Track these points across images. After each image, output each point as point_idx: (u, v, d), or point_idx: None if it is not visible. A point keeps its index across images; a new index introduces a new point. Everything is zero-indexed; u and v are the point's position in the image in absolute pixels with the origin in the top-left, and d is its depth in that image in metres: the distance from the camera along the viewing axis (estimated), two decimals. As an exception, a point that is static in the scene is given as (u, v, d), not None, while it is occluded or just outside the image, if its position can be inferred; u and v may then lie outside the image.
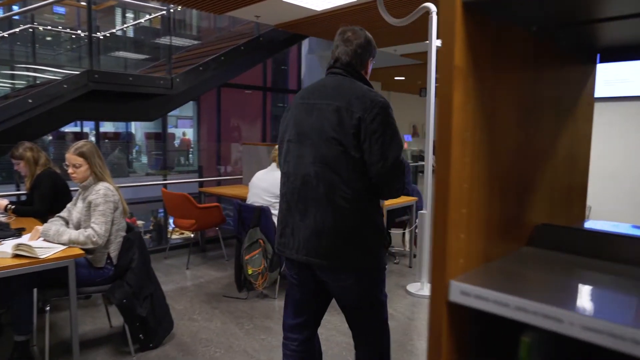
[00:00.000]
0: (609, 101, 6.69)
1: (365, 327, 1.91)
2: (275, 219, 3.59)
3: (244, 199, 4.21)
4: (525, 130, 0.92)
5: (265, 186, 3.65)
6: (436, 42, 3.65)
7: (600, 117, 6.52)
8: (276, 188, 3.61)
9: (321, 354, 2.07)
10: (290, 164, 1.80)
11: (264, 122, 9.72)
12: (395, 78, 10.87)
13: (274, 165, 3.73)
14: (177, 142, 10.45)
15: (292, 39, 7.45)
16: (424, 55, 7.82)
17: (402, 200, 4.31)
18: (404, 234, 4.71)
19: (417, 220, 3.98)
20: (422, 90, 10.65)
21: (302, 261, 1.76)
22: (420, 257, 3.80)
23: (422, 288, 3.81)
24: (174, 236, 5.68)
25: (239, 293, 3.75)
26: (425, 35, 3.95)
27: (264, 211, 3.53)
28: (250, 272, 3.51)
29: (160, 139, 8.09)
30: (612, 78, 6.49)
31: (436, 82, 3.50)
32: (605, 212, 6.96)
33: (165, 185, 5.30)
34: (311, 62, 10.08)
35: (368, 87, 1.76)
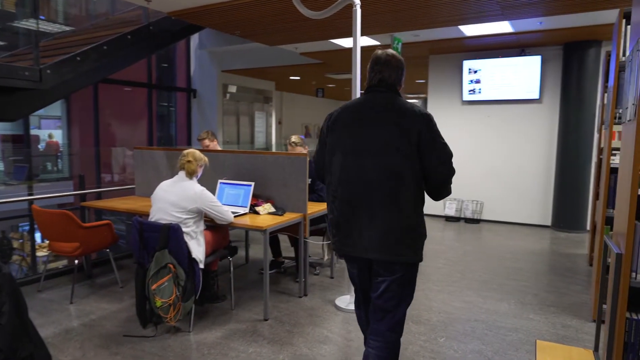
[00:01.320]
0: (495, 104, 7.23)
1: (392, 321, 2.09)
2: (187, 237, 3.05)
3: (143, 214, 3.55)
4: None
5: (174, 200, 3.08)
6: (360, 37, 3.41)
7: (489, 119, 6.83)
8: (188, 201, 3.06)
9: None
10: (349, 172, 2.05)
11: (149, 122, 8.74)
12: (291, 78, 10.61)
13: (182, 174, 3.16)
14: (41, 146, 8.91)
15: (187, 30, 6.74)
16: (324, 55, 7.68)
17: (324, 208, 4.02)
18: (322, 242, 4.42)
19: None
20: (319, 91, 10.59)
21: (372, 258, 2.03)
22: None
23: (352, 302, 3.55)
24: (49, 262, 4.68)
25: (143, 330, 3.12)
26: (336, 32, 3.69)
27: (173, 230, 2.95)
28: (158, 304, 2.91)
29: (22, 142, 6.75)
30: (499, 82, 7.01)
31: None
32: (496, 207, 7.51)
33: (32, 201, 4.32)
34: (202, 58, 9.35)
35: (410, 102, 2.06)
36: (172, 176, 3.25)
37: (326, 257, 4.67)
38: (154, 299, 2.90)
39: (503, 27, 5.64)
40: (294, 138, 4.29)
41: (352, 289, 3.16)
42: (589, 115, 6.26)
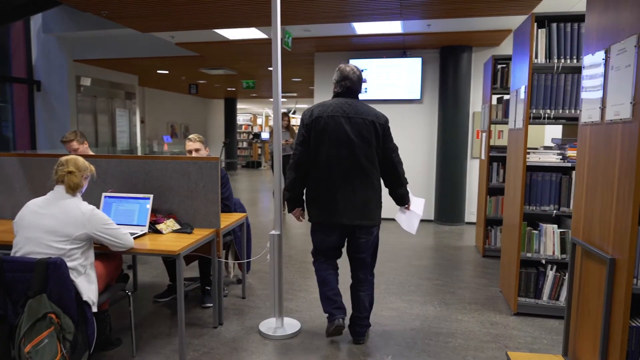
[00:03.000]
0: (380, 103, 7.35)
1: (371, 268, 2.97)
2: (74, 274, 2.28)
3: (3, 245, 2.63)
4: None
5: (52, 225, 2.27)
6: (279, 26, 2.97)
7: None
8: (74, 226, 2.29)
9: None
10: (333, 160, 2.71)
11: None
12: (159, 72, 9.53)
13: (60, 189, 2.36)
14: None
15: (26, 9, 5.44)
16: (203, 47, 6.94)
17: (235, 219, 3.49)
18: (227, 257, 3.86)
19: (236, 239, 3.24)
20: (192, 87, 9.68)
21: (354, 224, 2.75)
22: (275, 286, 3.08)
23: (280, 326, 3.11)
24: None
25: (10, 408, 2.25)
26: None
27: (54, 266, 2.16)
28: (36, 370, 2.11)
29: None
30: (384, 82, 7.15)
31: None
32: (383, 205, 7.62)
33: None
34: (48, 44, 7.78)
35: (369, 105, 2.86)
36: (34, 191, 2.41)
37: (232, 274, 4.12)
38: (29, 365, 2.08)
39: (394, 27, 5.69)
40: (193, 144, 3.63)
41: (277, 310, 3.07)
42: (464, 114, 6.72)
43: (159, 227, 2.95)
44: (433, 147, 7.13)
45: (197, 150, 3.62)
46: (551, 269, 3.35)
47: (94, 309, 2.35)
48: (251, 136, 19.46)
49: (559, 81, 3.23)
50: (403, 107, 7.16)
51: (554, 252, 3.34)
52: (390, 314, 3.44)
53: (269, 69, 9.15)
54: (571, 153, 3.27)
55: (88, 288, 2.33)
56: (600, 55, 1.93)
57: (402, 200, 2.97)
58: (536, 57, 3.23)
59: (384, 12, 4.90)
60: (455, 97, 6.69)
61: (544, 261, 3.36)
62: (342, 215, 2.74)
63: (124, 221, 2.95)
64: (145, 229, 2.92)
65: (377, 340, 3.01)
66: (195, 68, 8.96)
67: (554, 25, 3.19)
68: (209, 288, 3.67)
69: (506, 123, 4.97)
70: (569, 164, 3.27)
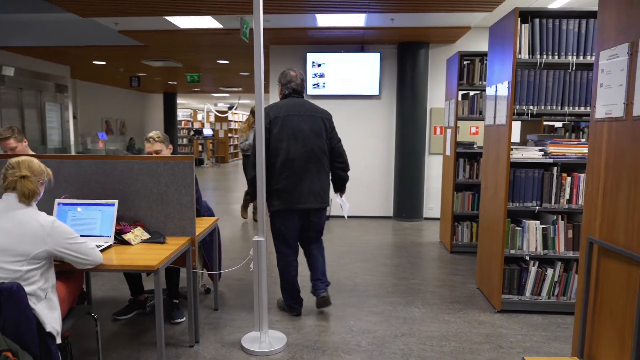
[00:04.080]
0: (339, 99, 7.19)
1: (322, 247, 3.44)
2: (33, 300, 1.89)
3: None
4: None
5: (4, 243, 1.86)
6: (262, 14, 2.68)
7: (333, 115, 6.97)
8: (32, 242, 1.90)
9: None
10: (294, 153, 3.12)
11: None
12: (95, 62, 8.75)
13: (11, 198, 1.95)
14: None
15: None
16: (149, 36, 6.38)
17: (208, 225, 3.16)
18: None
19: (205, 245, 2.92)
20: (133, 80, 8.94)
21: (314, 207, 3.22)
22: (260, 298, 2.81)
23: (264, 340, 2.84)
24: None
25: None
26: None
27: (8, 293, 1.76)
28: (-11, 422, 1.73)
29: None
30: (343, 77, 6.98)
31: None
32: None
33: None
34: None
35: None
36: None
37: (200, 284, 3.78)
38: (-20, 418, 1.68)
39: (357, 20, 5.54)
40: (152, 145, 3.23)
41: (260, 323, 2.83)
42: (422, 111, 6.73)
43: (127, 237, 2.58)
44: (391, 143, 7.10)
45: (157, 152, 3.22)
46: (533, 265, 3.36)
47: (58, 340, 1.97)
48: (192, 132, 18.65)
49: (541, 77, 3.22)
50: (362, 103, 7.06)
51: (536, 248, 3.34)
52: (376, 319, 3.29)
53: (219, 62, 8.70)
54: (552, 149, 3.28)
55: (50, 316, 1.94)
56: (623, 49, 1.87)
57: (344, 184, 3.45)
58: (520, 52, 3.20)
59: (351, 3, 4.72)
60: (414, 93, 6.69)
61: (527, 257, 3.36)
62: (306, 201, 3.16)
63: (84, 232, 2.54)
64: (111, 240, 2.54)
65: (370, 348, 2.84)
66: (137, 59, 8.31)
67: (537, 20, 3.17)
68: (177, 301, 3.32)
69: (473, 119, 5.00)
70: (551, 160, 3.28)
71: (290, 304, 3.32)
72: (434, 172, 7.06)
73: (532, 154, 3.31)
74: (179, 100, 17.67)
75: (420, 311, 3.44)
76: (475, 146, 5.05)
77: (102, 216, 2.58)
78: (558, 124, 5.31)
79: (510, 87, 3.21)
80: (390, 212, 7.19)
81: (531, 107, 3.25)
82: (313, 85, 6.93)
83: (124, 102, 14.42)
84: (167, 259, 2.35)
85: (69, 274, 2.26)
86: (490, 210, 3.62)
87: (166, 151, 3.29)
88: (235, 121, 20.97)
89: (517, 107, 3.25)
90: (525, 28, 3.19)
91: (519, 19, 3.16)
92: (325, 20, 5.59)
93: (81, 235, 2.29)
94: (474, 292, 3.87)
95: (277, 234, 3.26)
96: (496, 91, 3.50)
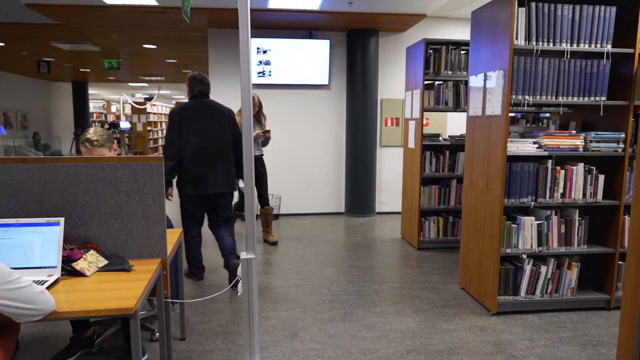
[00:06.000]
0: (286, 88, 6.69)
1: (230, 229, 3.89)
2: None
3: None
4: None
5: None
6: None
7: (280, 105, 6.72)
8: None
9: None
10: (202, 146, 3.59)
11: None
12: (-9, 43, 7.40)
13: None
14: None
15: None
16: (65, 12, 5.39)
17: (176, 239, 2.58)
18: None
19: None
20: (42, 64, 7.61)
21: (219, 192, 3.69)
22: (251, 326, 2.31)
23: (258, 377, 2.35)
24: None
25: None
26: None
27: None
28: None
29: None
30: (290, 65, 6.49)
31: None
32: (293, 199, 7.02)
33: None
34: None
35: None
36: None
37: (157, 309, 3.15)
38: None
39: (312, 3, 5.10)
40: (93, 150, 2.56)
41: (253, 355, 2.58)
42: (373, 102, 6.48)
43: (78, 266, 1.95)
44: (342, 135, 6.77)
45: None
46: (528, 263, 3.20)
47: None
48: (106, 126, 16.97)
49: (537, 65, 3.03)
50: (311, 93, 6.64)
51: (531, 246, 3.19)
52: (372, 334, 2.93)
53: (145, 46, 7.77)
54: (547, 141, 3.13)
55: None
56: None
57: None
58: (516, 38, 2.99)
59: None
60: (364, 83, 6.40)
61: (525, 256, 3.19)
62: (214, 187, 3.65)
63: (18, 263, 1.88)
64: (57, 273, 1.90)
65: (380, 374, 2.48)
66: (47, 41, 7.13)
67: (533, 4, 2.97)
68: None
69: (439, 110, 4.81)
70: (546, 153, 3.12)
71: (194, 271, 3.90)
72: (386, 165, 6.86)
73: (527, 146, 3.13)
74: (91, 91, 15.95)
75: (414, 320, 3.14)
76: (441, 138, 4.87)
77: (43, 240, 1.92)
78: (518, 115, 5.30)
79: (506, 76, 2.99)
80: (342, 208, 6.89)
81: (527, 97, 3.06)
82: (258, 73, 6.38)
83: (26, 91, 12.65)
84: (142, 296, 1.78)
85: (1, 329, 1.61)
86: (479, 208, 3.41)
87: (110, 154, 2.64)
88: (154, 113, 19.49)
89: (514, 97, 3.04)
90: (522, 12, 2.98)
91: (516, 2, 2.94)
92: (277, 1, 5.08)
93: (13, 269, 1.66)
94: (460, 293, 3.66)
95: (188, 215, 3.76)
96: (485, 80, 3.28)
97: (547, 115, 4.99)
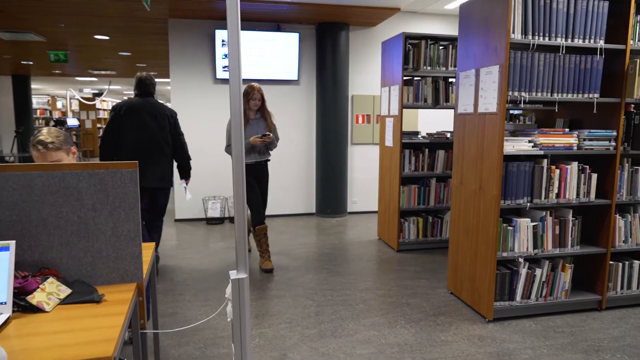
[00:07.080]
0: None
1: (161, 223, 4.08)
2: None
3: None
4: None
5: None
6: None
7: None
8: None
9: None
10: (141, 142, 3.79)
11: None
12: None
13: None
14: None
15: None
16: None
17: (150, 256, 2.24)
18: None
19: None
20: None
21: (157, 187, 3.86)
22: (243, 351, 2.02)
23: (251, 412, 2.06)
24: None
25: None
26: None
27: None
28: None
29: None
30: (258, 59, 6.13)
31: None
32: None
33: None
34: None
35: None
36: None
37: (127, 334, 2.78)
38: None
39: (284, -8, 4.80)
40: (48, 154, 2.17)
41: None
42: (343, 98, 6.26)
43: (35, 299, 1.59)
44: (312, 133, 6.51)
45: (58, 162, 2.18)
46: (524, 267, 3.08)
47: None
48: (52, 123, 15.84)
49: (533, 60, 2.90)
50: (280, 89, 6.33)
51: (527, 248, 3.07)
52: (368, 350, 2.71)
53: (97, 37, 7.16)
54: (542, 140, 3.01)
55: None
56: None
57: (187, 172, 4.16)
58: (513, 32, 2.84)
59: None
60: (335, 79, 6.17)
61: (521, 259, 3.06)
62: (150, 182, 3.79)
63: (-44, 301, 1.49)
64: (8, 310, 1.53)
65: (384, 398, 2.25)
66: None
67: (530, -4, 2.83)
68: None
69: (417, 107, 4.65)
70: (542, 152, 3.00)
71: None
72: (357, 163, 6.67)
73: (523, 145, 2.99)
74: (33, 85, 14.81)
75: (409, 332, 2.95)
76: (420, 136, 4.71)
77: (-12, 270, 1.55)
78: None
79: (502, 72, 2.84)
80: (312, 209, 6.64)
81: (523, 93, 2.92)
82: (223, 68, 6.00)
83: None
84: (120, 337, 1.45)
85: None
86: (471, 209, 3.26)
87: (69, 159, 2.26)
88: (104, 109, 18.44)
89: (510, 93, 2.89)
90: (519, 5, 2.83)
91: (513, -7, 2.79)
92: (246, -10, 4.74)
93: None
94: (450, 298, 3.51)
95: None
96: (478, 76, 3.12)
97: (519, 112, 4.94)
